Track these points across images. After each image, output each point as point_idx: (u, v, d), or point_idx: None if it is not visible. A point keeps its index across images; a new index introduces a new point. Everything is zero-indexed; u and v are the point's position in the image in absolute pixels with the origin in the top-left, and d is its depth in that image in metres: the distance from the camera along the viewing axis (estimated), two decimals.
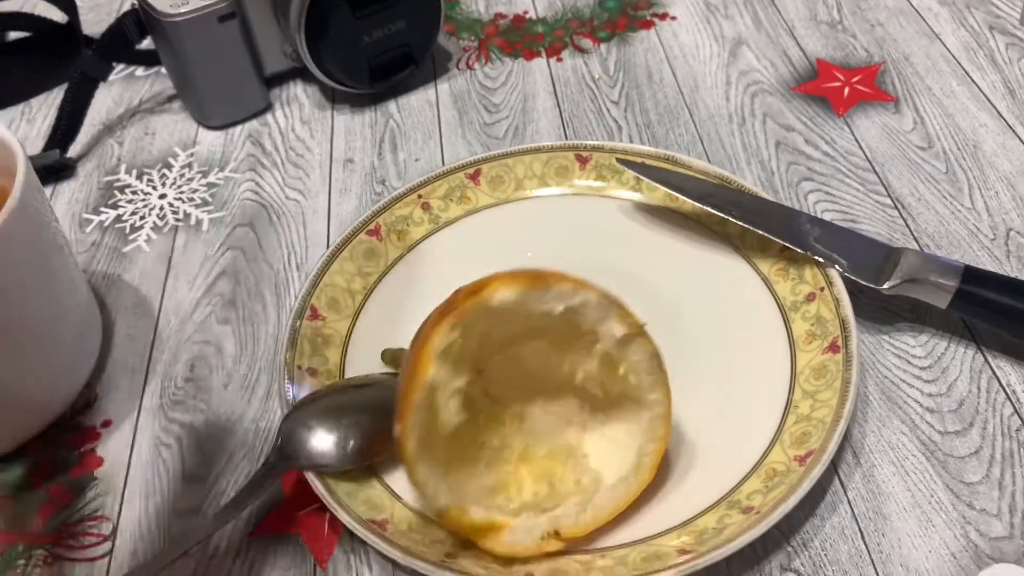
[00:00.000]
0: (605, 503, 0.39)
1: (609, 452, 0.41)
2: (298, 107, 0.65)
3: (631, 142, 0.59)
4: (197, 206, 0.59)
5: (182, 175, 0.61)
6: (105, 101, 0.67)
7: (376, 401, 0.44)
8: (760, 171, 0.56)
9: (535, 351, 0.39)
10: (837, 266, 0.46)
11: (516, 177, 0.54)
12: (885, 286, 0.45)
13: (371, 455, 0.42)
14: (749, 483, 0.40)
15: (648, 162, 0.53)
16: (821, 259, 0.46)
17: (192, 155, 0.62)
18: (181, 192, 0.60)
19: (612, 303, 0.37)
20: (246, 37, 0.61)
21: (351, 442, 0.42)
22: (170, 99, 0.67)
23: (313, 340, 0.47)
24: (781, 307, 0.47)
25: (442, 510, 0.37)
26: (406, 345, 0.40)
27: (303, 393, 0.44)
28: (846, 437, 0.43)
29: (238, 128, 0.64)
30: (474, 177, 0.54)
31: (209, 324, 0.51)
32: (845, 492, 0.41)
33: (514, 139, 0.60)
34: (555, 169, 0.54)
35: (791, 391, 0.43)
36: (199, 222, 0.57)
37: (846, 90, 0.60)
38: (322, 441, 0.41)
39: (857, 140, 0.57)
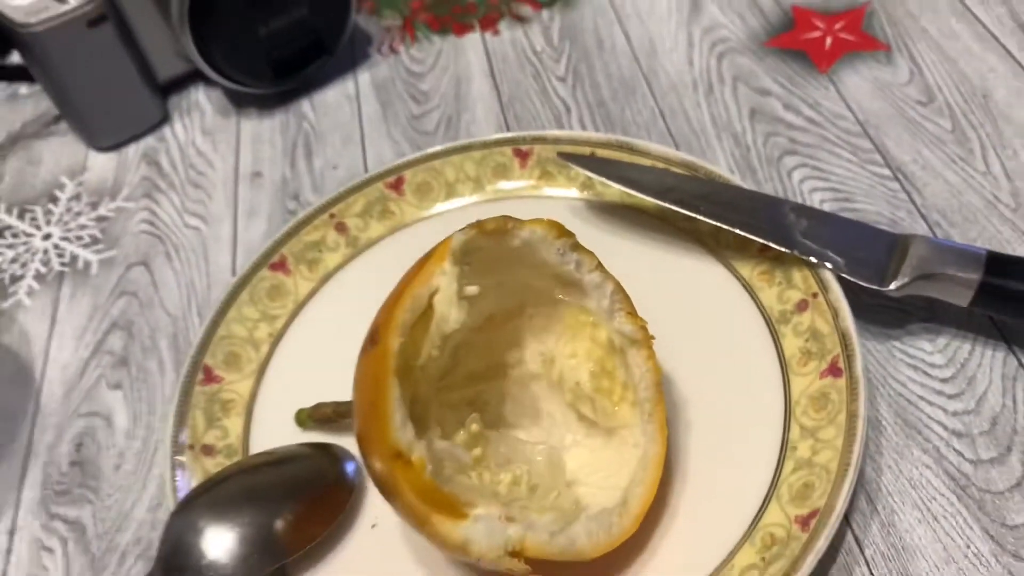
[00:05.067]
0: (582, 537, 0.31)
1: (596, 480, 0.35)
2: (199, 115, 0.56)
3: (581, 124, 0.50)
4: (86, 245, 0.50)
5: (69, 209, 0.53)
6: None
7: (289, 480, 0.37)
8: (734, 147, 0.47)
9: (531, 326, 0.37)
10: (831, 265, 0.37)
11: (446, 182, 0.46)
12: (892, 286, 0.37)
13: (284, 554, 0.35)
14: (742, 554, 0.32)
15: (598, 152, 0.44)
16: (812, 258, 0.38)
17: (81, 184, 0.54)
18: (68, 230, 0.51)
19: (627, 300, 0.35)
20: (127, 41, 0.53)
21: (255, 542, 0.34)
22: (57, 119, 0.58)
23: (208, 409, 0.39)
24: (768, 319, 0.39)
25: (403, 450, 0.30)
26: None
27: (196, 481, 0.36)
28: (857, 480, 0.35)
29: (132, 147, 0.55)
30: (396, 186, 0.46)
31: (98, 391, 0.44)
32: (861, 550, 0.33)
33: (447, 132, 0.52)
34: (492, 169, 0.46)
35: (786, 428, 0.35)
36: (87, 265, 0.49)
37: (828, 40, 0.51)
38: (216, 546, 0.34)
39: (845, 100, 0.49)
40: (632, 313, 0.35)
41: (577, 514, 0.32)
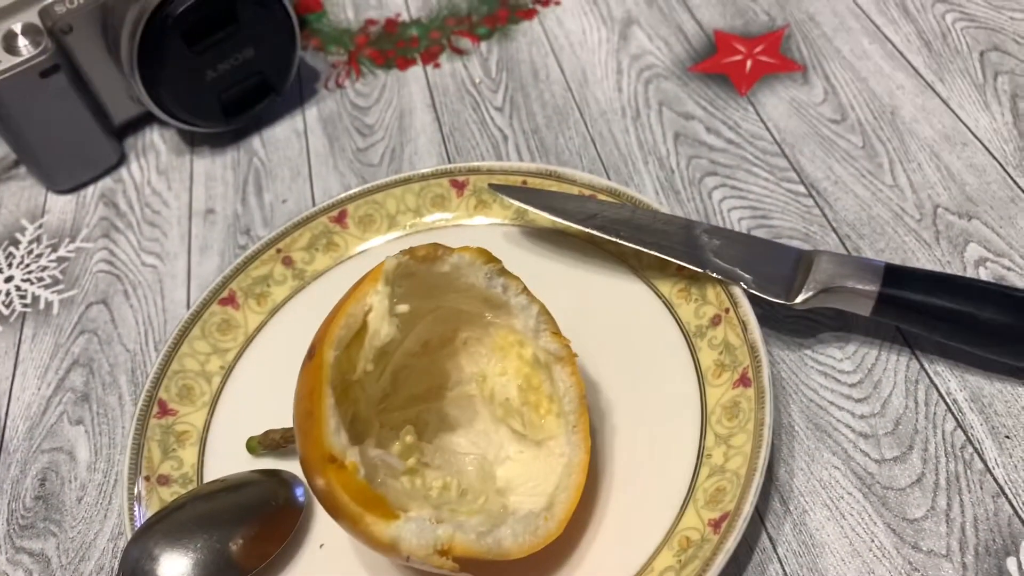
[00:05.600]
0: (509, 538, 0.33)
1: (525, 489, 0.37)
2: (154, 155, 0.58)
3: (518, 152, 0.53)
4: (47, 286, 0.52)
5: (30, 251, 0.55)
6: None
7: (241, 505, 0.39)
8: (659, 170, 0.50)
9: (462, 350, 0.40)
10: (741, 283, 0.40)
11: (388, 214, 0.48)
12: (797, 300, 0.39)
13: (237, 575, 0.37)
14: (661, 557, 0.35)
15: (529, 180, 0.47)
16: (722, 276, 0.40)
17: (41, 226, 0.56)
18: (29, 272, 0.53)
19: (551, 320, 0.37)
20: (81, 88, 0.55)
21: (208, 565, 0.36)
22: (16, 163, 0.60)
23: (164, 441, 0.41)
24: (686, 334, 0.41)
25: (336, 454, 0.32)
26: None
27: (153, 510, 0.38)
28: (771, 479, 0.38)
29: (90, 189, 0.57)
30: (339, 219, 0.48)
31: (61, 427, 0.46)
32: (775, 548, 0.36)
33: (391, 164, 0.54)
34: (431, 199, 0.48)
35: (703, 436, 0.38)
36: (49, 305, 0.51)
37: (748, 63, 0.54)
38: (170, 572, 0.36)
39: (763, 121, 0.51)
40: (556, 333, 0.37)
41: (505, 517, 0.34)
